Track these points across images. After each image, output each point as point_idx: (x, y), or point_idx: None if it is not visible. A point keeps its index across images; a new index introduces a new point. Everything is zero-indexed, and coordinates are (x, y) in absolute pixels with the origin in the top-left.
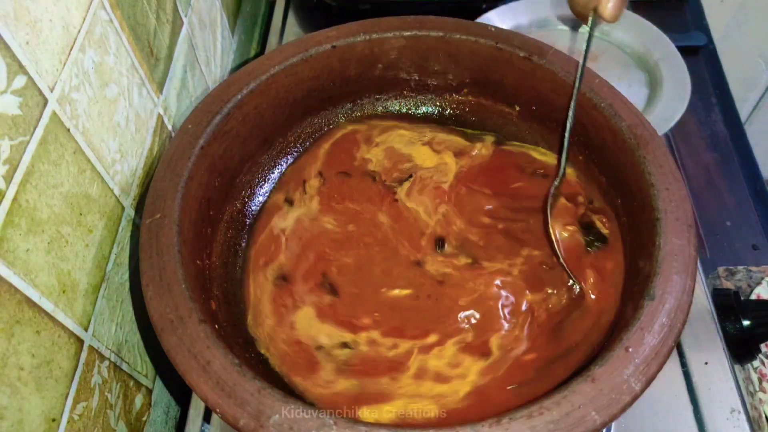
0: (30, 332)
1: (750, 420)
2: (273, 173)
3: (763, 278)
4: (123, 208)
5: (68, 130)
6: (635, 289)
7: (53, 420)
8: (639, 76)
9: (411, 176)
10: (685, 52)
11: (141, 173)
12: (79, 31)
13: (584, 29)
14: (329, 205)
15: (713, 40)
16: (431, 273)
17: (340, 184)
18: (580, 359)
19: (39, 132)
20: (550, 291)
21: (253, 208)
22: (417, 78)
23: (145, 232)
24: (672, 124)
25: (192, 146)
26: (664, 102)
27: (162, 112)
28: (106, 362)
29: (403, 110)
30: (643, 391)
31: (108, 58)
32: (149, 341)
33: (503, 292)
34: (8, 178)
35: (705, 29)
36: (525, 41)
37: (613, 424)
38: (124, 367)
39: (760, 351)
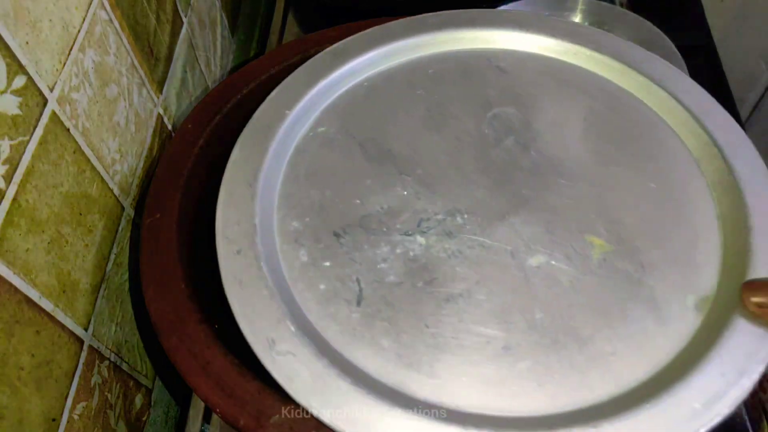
0: (30, 332)
1: (750, 420)
2: None
3: None
4: (123, 208)
5: (68, 130)
6: None
7: (53, 420)
8: None
9: None
10: (685, 52)
11: (141, 173)
12: (79, 31)
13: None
14: None
15: (713, 40)
16: None
17: None
18: None
19: (39, 132)
20: None
21: None
22: None
23: (145, 231)
24: None
25: (192, 146)
26: None
27: (162, 112)
28: (106, 362)
29: None
30: None
31: (108, 58)
32: (149, 341)
33: None
34: (8, 178)
35: (705, 29)
36: None
37: None
38: (124, 367)
39: None
